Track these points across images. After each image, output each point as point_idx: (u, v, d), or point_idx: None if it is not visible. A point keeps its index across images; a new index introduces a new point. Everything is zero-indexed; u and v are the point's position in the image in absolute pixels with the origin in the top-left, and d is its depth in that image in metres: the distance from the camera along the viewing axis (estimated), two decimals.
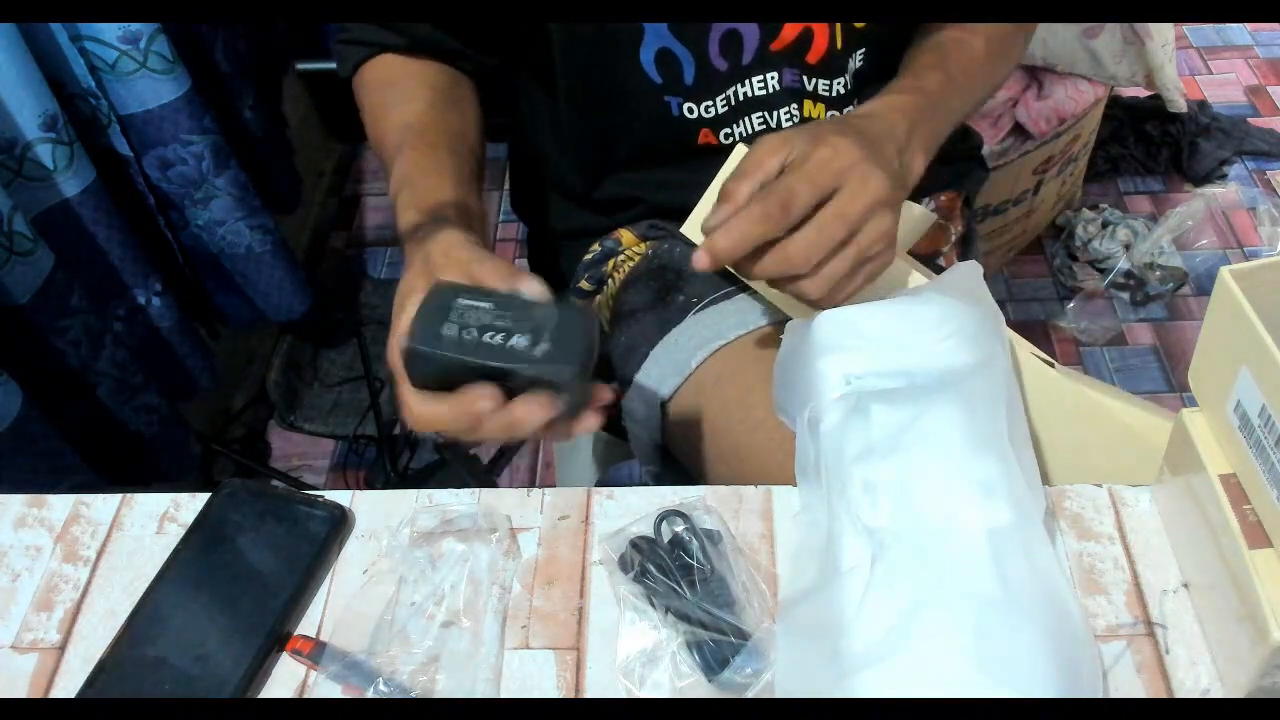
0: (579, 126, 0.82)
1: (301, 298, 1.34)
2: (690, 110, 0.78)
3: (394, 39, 0.78)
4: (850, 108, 0.80)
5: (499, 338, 0.50)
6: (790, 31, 0.75)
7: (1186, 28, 2.31)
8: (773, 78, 0.78)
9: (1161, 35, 1.58)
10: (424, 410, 0.53)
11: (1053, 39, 1.60)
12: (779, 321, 0.76)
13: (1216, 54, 2.27)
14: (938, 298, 0.62)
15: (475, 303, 0.52)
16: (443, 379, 0.52)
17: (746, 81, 0.77)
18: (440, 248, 0.58)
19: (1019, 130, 1.61)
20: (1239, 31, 2.32)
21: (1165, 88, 1.65)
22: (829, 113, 0.80)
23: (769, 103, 0.79)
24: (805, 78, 0.78)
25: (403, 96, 0.76)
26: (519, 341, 0.50)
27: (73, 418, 1.04)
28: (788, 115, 0.80)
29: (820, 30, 0.75)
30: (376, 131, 0.76)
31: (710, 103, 0.78)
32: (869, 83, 0.76)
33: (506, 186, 1.00)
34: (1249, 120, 2.08)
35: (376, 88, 0.78)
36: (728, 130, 0.80)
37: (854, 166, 0.60)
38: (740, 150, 0.69)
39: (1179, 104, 1.69)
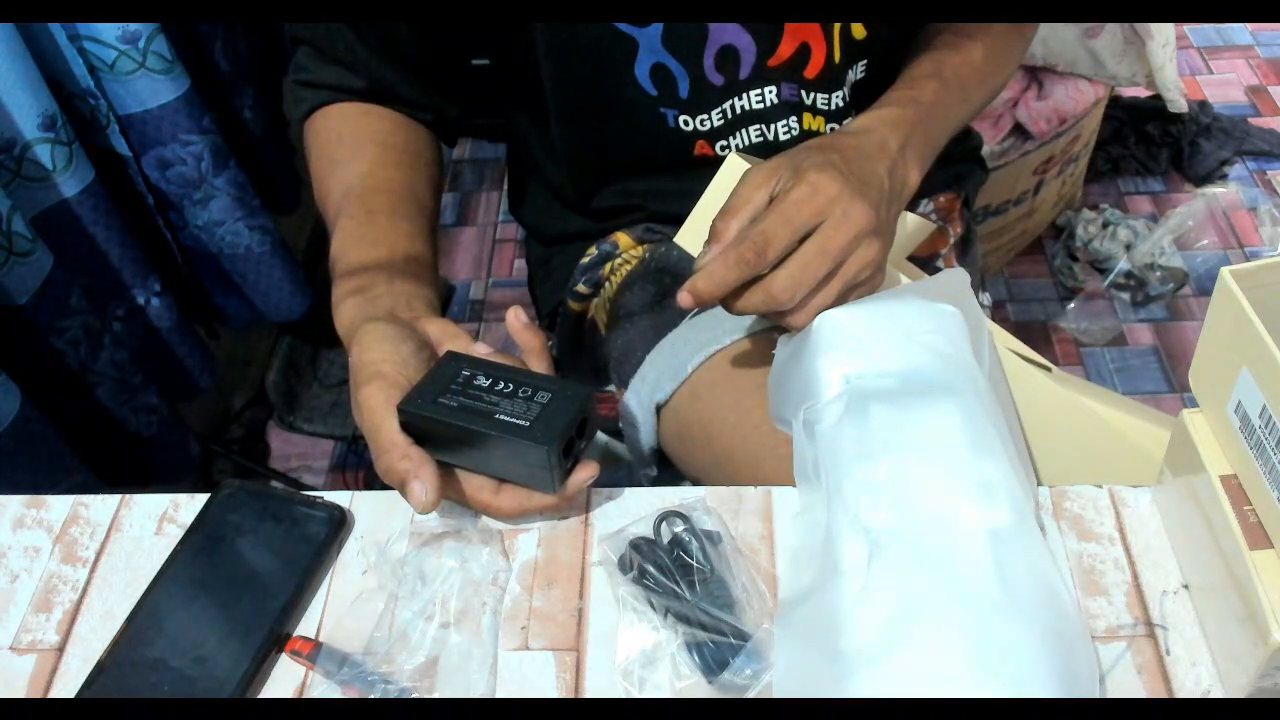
0: (573, 139, 0.81)
1: (301, 298, 1.33)
2: (686, 123, 0.77)
3: (353, 81, 0.76)
4: (850, 119, 0.80)
5: (489, 408, 0.57)
6: (787, 47, 0.74)
7: (1187, 28, 2.31)
8: (770, 92, 0.77)
9: (1162, 35, 1.58)
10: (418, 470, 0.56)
11: (1053, 39, 1.60)
12: (775, 327, 0.76)
13: (1217, 54, 2.27)
14: (919, 298, 0.63)
15: (477, 374, 0.59)
16: (432, 439, 0.57)
17: (744, 95, 0.77)
18: (357, 350, 0.60)
19: (1019, 130, 1.61)
20: (1240, 31, 2.32)
21: (1166, 88, 1.65)
22: (828, 125, 0.80)
23: (766, 116, 0.78)
24: (803, 92, 0.77)
25: (350, 154, 0.75)
26: (504, 414, 0.57)
27: (72, 418, 1.04)
28: (785, 129, 0.79)
29: (817, 45, 0.74)
30: (320, 190, 0.75)
31: (706, 116, 0.77)
32: (868, 94, 0.75)
33: (506, 187, 1.00)
34: (1250, 120, 2.08)
35: (325, 142, 0.77)
36: (724, 143, 0.79)
37: (834, 202, 0.60)
38: (733, 160, 0.68)
39: (1179, 104, 1.69)
